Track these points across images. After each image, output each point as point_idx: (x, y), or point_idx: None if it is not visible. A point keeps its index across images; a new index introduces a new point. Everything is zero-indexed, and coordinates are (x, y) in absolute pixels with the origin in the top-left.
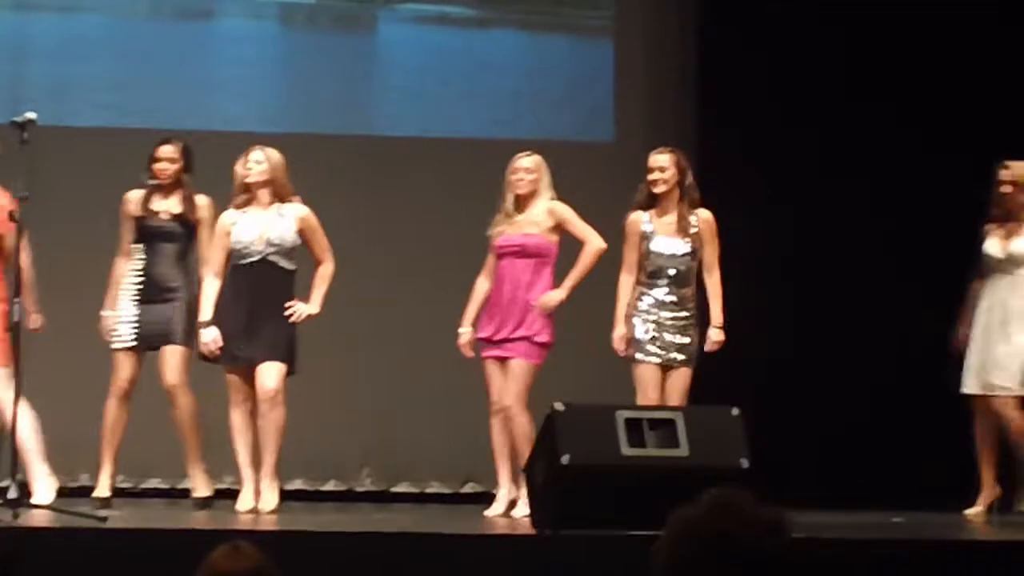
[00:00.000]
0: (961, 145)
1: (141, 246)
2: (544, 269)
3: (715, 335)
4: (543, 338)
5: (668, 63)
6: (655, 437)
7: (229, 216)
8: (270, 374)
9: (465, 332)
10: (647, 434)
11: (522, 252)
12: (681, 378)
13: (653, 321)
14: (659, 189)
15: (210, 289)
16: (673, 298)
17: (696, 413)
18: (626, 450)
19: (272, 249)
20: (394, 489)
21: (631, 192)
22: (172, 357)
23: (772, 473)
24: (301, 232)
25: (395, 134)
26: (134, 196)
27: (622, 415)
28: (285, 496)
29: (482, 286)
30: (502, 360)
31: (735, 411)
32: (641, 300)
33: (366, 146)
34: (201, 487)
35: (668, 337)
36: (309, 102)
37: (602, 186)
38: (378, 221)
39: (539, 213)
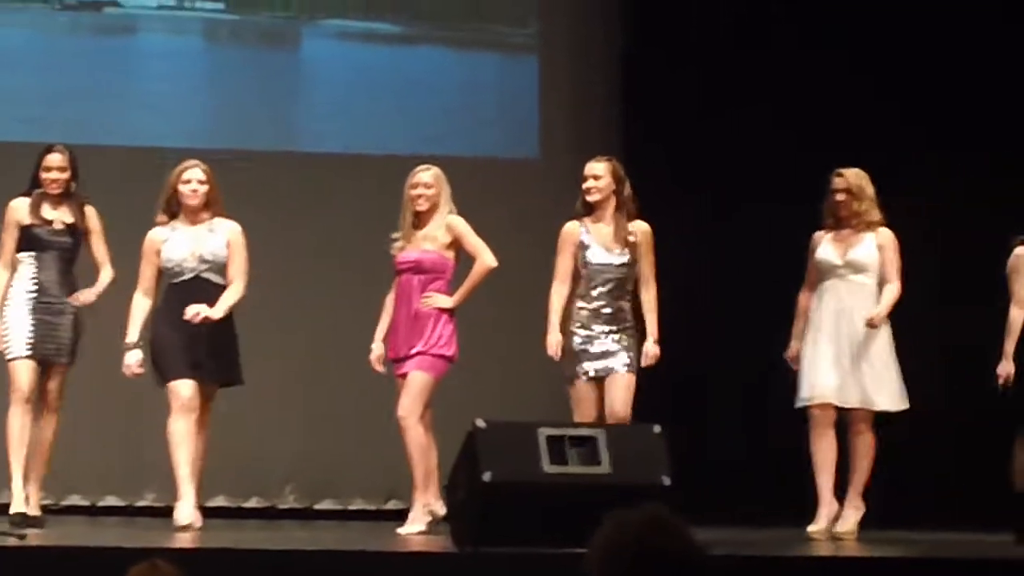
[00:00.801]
0: (885, 164)
1: (32, 255)
2: (438, 285)
3: (651, 349)
4: (444, 351)
5: (594, 80)
6: (577, 454)
7: (159, 234)
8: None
9: (375, 348)
10: (569, 451)
11: (418, 268)
12: (622, 386)
13: (586, 334)
14: (592, 197)
15: (138, 309)
16: (609, 309)
17: (618, 430)
18: (548, 467)
19: (205, 266)
20: (317, 506)
21: (557, 208)
22: (57, 375)
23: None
24: (227, 247)
25: (320, 150)
26: (21, 204)
27: (544, 432)
28: (207, 513)
29: (390, 303)
30: (405, 376)
31: (657, 429)
32: (578, 311)
33: (290, 162)
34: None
35: (602, 348)
36: (233, 118)
37: (527, 203)
38: (303, 238)
39: (437, 229)
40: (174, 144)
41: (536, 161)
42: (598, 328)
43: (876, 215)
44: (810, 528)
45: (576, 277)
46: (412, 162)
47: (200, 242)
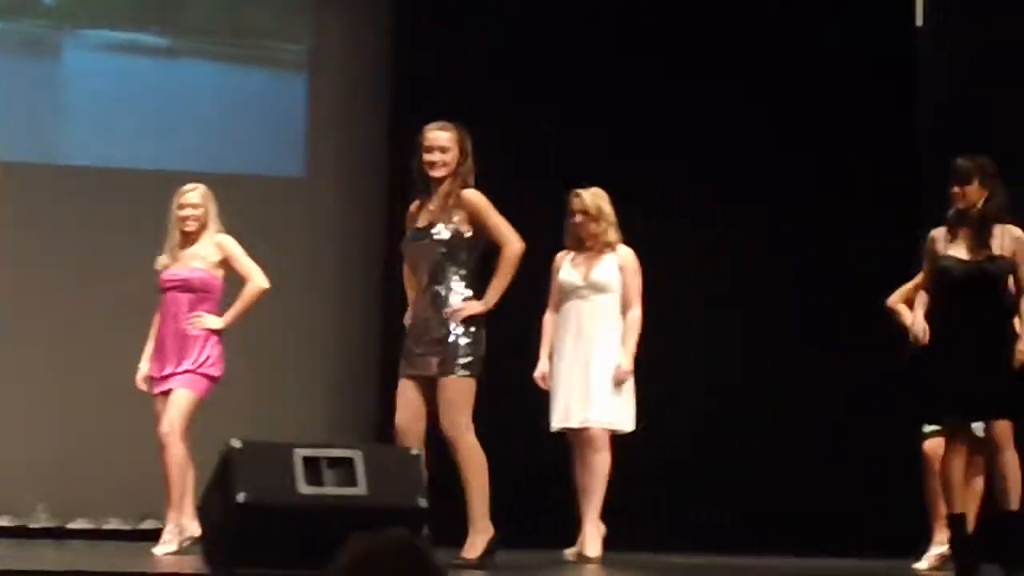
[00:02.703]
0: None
1: None
2: (206, 304)
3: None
4: (211, 371)
5: (363, 99)
6: (333, 475)
7: None
8: None
9: (142, 368)
10: (325, 472)
11: (186, 287)
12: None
13: None
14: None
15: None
16: None
17: (375, 452)
18: (303, 488)
19: None
20: (71, 525)
21: (323, 226)
22: None
23: None
24: None
25: (81, 164)
26: None
27: (300, 453)
28: None
29: (156, 321)
30: (168, 394)
31: (415, 451)
32: None
33: (50, 175)
34: None
35: None
36: None
37: (294, 221)
38: (61, 252)
39: (206, 247)
40: None
41: (302, 180)
42: None
43: (615, 235)
44: (566, 551)
45: None
46: (178, 178)
47: None
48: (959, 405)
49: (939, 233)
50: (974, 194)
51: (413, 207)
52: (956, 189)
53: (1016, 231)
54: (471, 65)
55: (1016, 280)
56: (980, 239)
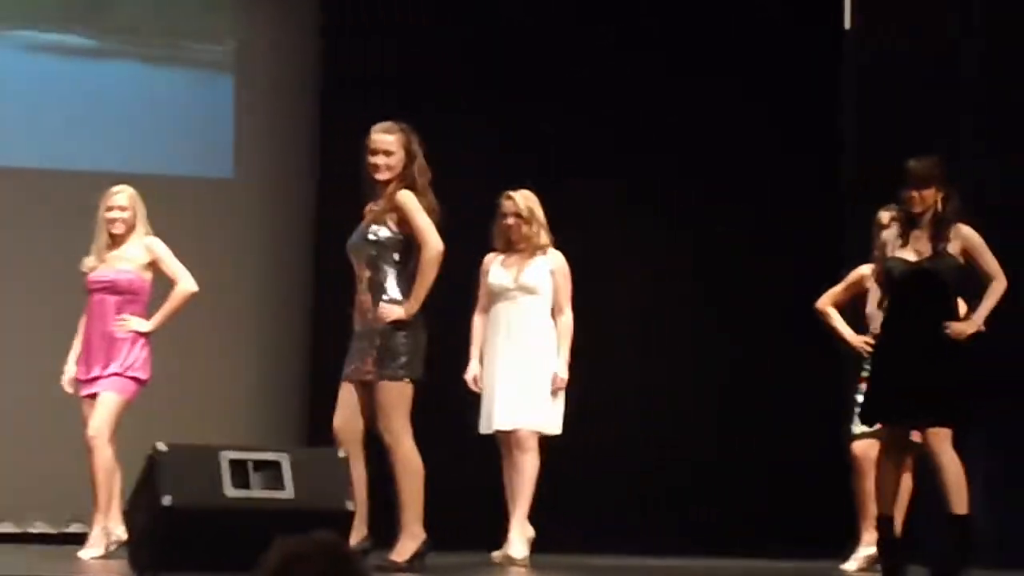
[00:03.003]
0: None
1: None
2: (134, 307)
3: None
4: (138, 374)
5: (290, 99)
6: (260, 478)
7: None
8: None
9: (68, 370)
10: (252, 475)
11: (113, 289)
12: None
13: None
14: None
15: None
16: None
17: (302, 455)
18: (230, 491)
19: None
20: None
21: (250, 228)
22: None
23: None
24: None
25: (7, 165)
26: None
27: (226, 456)
28: None
29: (83, 323)
30: (95, 397)
31: (342, 453)
32: None
33: None
34: None
35: None
36: None
37: (221, 222)
38: None
39: (133, 249)
40: None
41: (229, 181)
42: None
43: (545, 238)
44: (494, 553)
45: None
46: (104, 179)
47: None
48: (896, 411)
49: (890, 234)
50: (931, 197)
51: (366, 209)
52: (913, 193)
53: (966, 229)
54: (399, 60)
55: (982, 274)
56: (938, 241)
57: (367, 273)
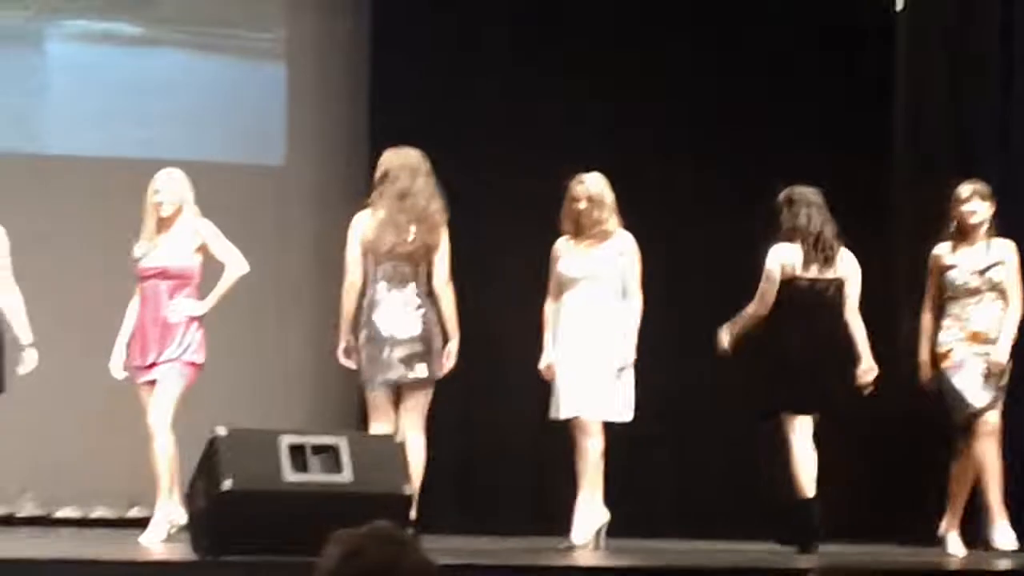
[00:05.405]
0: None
1: None
2: (186, 290)
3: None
4: (194, 358)
5: (341, 87)
6: (318, 463)
7: None
8: None
9: (116, 355)
10: (310, 460)
11: (164, 275)
12: None
13: None
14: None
15: None
16: None
17: (360, 439)
18: (289, 475)
19: None
20: (57, 514)
21: (301, 215)
22: None
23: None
24: None
25: (61, 153)
26: None
27: (285, 440)
28: None
29: (133, 309)
30: (153, 384)
31: (399, 438)
32: None
33: (30, 165)
34: None
35: None
36: None
37: (272, 209)
38: (46, 240)
39: (183, 233)
40: None
41: (281, 168)
42: None
43: (615, 222)
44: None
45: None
46: (153, 166)
47: None
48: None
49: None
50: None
51: None
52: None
53: None
54: (447, 48)
55: None
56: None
57: None
